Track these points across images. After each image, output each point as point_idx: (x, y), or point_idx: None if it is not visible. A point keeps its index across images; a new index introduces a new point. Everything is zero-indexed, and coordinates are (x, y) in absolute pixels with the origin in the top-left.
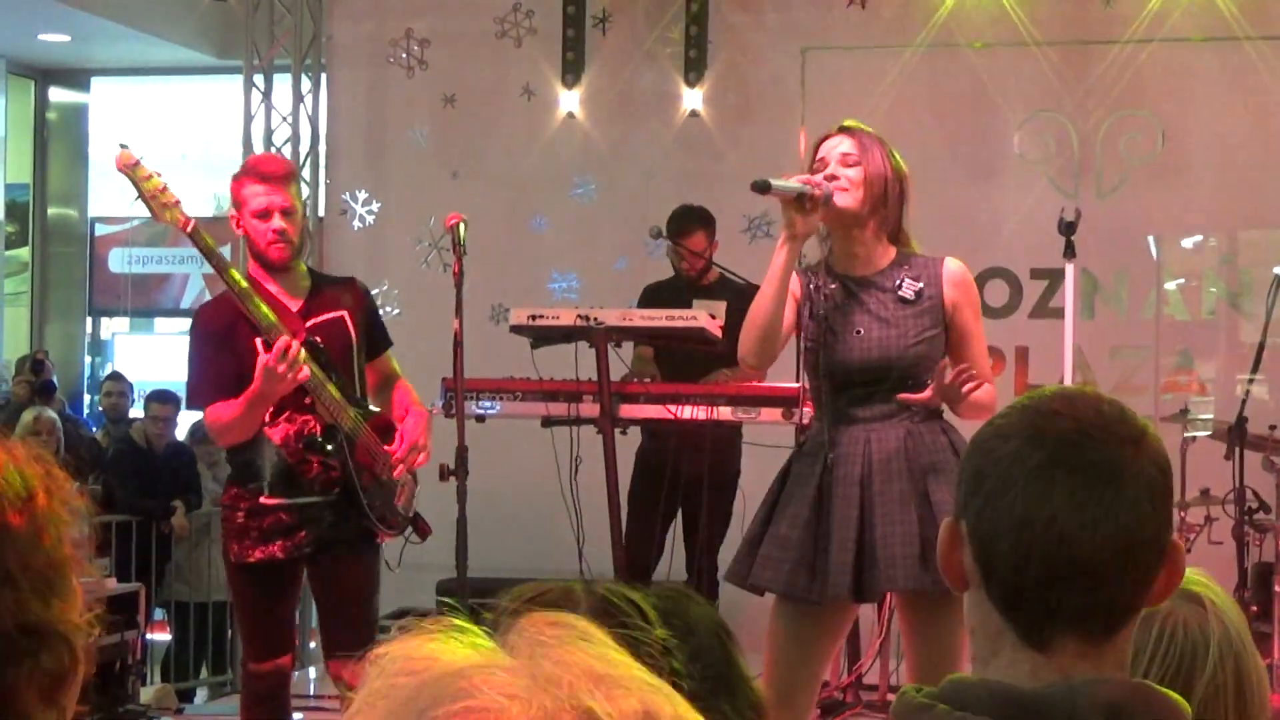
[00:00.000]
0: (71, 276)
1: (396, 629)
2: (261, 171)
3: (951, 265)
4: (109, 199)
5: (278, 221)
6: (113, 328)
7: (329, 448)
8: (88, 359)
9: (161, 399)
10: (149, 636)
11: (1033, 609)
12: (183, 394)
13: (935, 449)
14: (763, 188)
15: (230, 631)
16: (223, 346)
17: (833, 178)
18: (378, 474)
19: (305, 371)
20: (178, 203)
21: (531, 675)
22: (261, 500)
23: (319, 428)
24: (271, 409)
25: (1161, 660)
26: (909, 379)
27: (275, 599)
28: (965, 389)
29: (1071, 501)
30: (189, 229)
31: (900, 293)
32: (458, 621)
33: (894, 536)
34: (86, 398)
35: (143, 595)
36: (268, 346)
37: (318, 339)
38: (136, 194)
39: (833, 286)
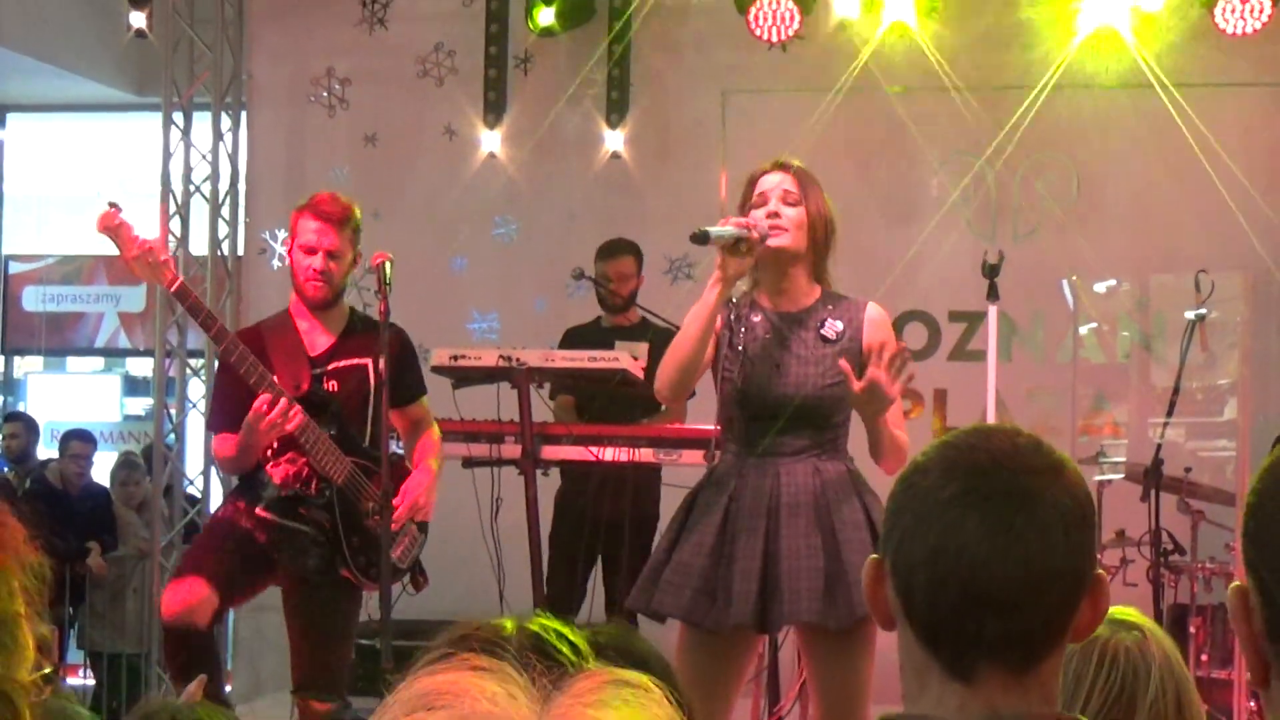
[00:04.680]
0: None
1: (433, 653)
2: (319, 209)
3: (874, 310)
4: (23, 237)
5: (319, 261)
6: (26, 367)
7: (318, 503)
8: (0, 398)
9: (82, 438)
10: (65, 681)
11: (953, 640)
12: (99, 432)
13: (840, 485)
14: (701, 239)
15: (144, 684)
16: (237, 377)
17: (774, 215)
18: (366, 524)
19: (294, 423)
20: (168, 261)
21: None
22: (256, 511)
23: (314, 479)
24: (275, 446)
25: (1104, 686)
26: (822, 417)
27: (227, 548)
28: (893, 384)
29: (982, 529)
30: (174, 288)
31: (822, 331)
32: (507, 667)
33: (799, 570)
34: None
35: (56, 639)
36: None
37: (331, 385)
38: (119, 250)
39: (756, 319)
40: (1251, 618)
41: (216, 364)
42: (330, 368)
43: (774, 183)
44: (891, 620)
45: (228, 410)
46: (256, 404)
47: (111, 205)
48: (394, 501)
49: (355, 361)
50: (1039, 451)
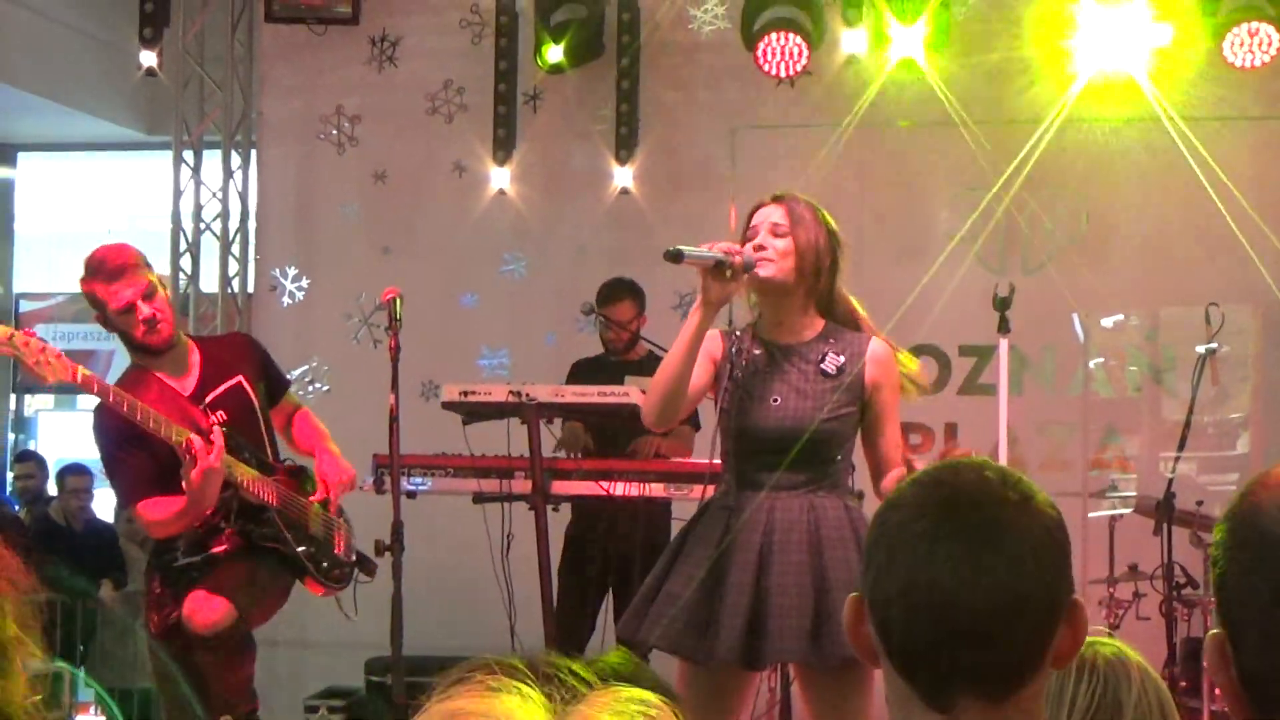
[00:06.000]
0: None
1: (449, 679)
2: (107, 270)
3: (877, 346)
4: (34, 275)
5: (144, 310)
6: (36, 405)
7: (270, 532)
8: (11, 436)
9: (77, 471)
10: (76, 719)
11: (930, 672)
12: (97, 467)
13: (836, 524)
14: (675, 256)
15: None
16: (136, 443)
17: (760, 248)
18: (311, 532)
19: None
20: (60, 355)
21: None
22: (176, 565)
23: (240, 505)
24: None
25: (1089, 686)
26: (819, 452)
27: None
28: None
29: (951, 563)
30: (79, 379)
31: (822, 366)
32: (521, 685)
33: (788, 608)
34: (9, 476)
35: (67, 677)
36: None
37: (220, 415)
38: (20, 364)
39: (756, 351)
40: (1228, 666)
41: (100, 438)
42: (209, 400)
43: (765, 216)
44: (875, 656)
45: (146, 475)
46: (194, 450)
47: None
48: (319, 496)
49: (228, 384)
50: (1006, 484)
